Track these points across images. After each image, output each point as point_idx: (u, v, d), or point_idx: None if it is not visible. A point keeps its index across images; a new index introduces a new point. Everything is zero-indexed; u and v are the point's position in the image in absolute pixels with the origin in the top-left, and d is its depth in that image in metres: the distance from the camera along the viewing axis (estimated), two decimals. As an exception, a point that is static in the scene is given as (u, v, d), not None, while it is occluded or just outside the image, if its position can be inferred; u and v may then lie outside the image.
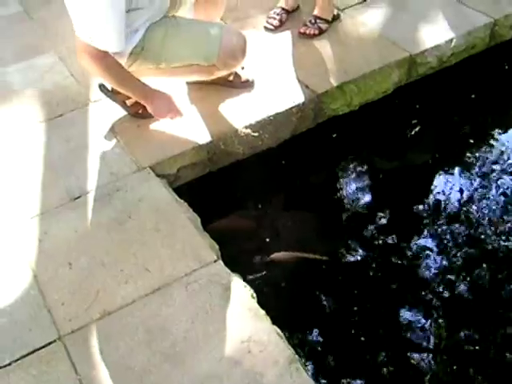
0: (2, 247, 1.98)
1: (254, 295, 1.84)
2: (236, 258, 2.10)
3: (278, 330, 1.72)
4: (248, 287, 1.85)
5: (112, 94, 2.36)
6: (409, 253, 2.25)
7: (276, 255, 2.22)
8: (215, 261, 1.88)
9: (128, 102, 2.37)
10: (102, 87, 2.36)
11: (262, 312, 1.75)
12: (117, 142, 2.33)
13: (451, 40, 2.75)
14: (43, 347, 1.69)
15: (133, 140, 2.34)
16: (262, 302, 1.82)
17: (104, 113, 2.46)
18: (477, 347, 1.95)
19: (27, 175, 2.22)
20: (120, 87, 2.22)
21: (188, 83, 2.55)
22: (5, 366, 1.64)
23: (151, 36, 2.17)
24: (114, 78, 2.16)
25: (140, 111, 2.38)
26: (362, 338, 1.99)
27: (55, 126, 2.43)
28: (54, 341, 1.70)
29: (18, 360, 1.65)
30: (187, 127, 2.35)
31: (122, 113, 2.42)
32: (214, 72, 2.34)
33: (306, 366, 1.81)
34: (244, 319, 1.72)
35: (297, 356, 1.66)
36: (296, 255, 2.22)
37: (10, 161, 2.30)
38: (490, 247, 2.25)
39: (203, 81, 2.52)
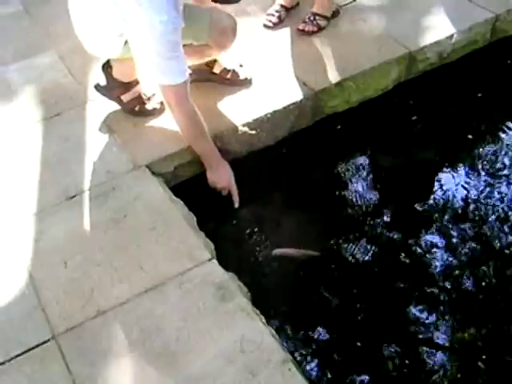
0: (-2, 246, 1.99)
1: (249, 294, 1.84)
2: (232, 257, 2.11)
3: (272, 330, 1.72)
4: (242, 286, 1.85)
5: (108, 92, 2.36)
6: (413, 249, 2.23)
7: (279, 251, 2.21)
8: (210, 260, 1.87)
9: (124, 99, 2.37)
10: (97, 87, 2.36)
11: (256, 311, 1.75)
12: (114, 140, 2.33)
13: (452, 36, 2.72)
14: (37, 346, 1.69)
15: (130, 139, 2.34)
16: (256, 302, 1.82)
17: (102, 111, 2.46)
18: (484, 343, 1.94)
19: (24, 174, 2.23)
20: (195, 141, 2.23)
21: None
22: (-2, 365, 1.65)
23: None
24: (194, 130, 2.20)
25: (136, 108, 2.38)
26: (360, 340, 1.97)
27: (53, 125, 2.44)
28: (48, 340, 1.71)
29: (11, 359, 1.66)
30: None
31: (120, 111, 2.43)
32: (206, 52, 2.33)
33: (300, 366, 1.79)
34: (237, 318, 1.71)
35: (290, 356, 1.66)
36: (302, 253, 2.21)
37: (7, 159, 2.31)
38: (495, 243, 2.23)
39: (201, 78, 2.53)
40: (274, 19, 2.84)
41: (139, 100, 2.39)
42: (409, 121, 2.74)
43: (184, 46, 2.20)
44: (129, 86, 2.36)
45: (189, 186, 2.30)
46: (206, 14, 2.21)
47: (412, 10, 2.88)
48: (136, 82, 2.37)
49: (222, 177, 2.26)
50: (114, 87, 2.35)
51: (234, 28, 2.26)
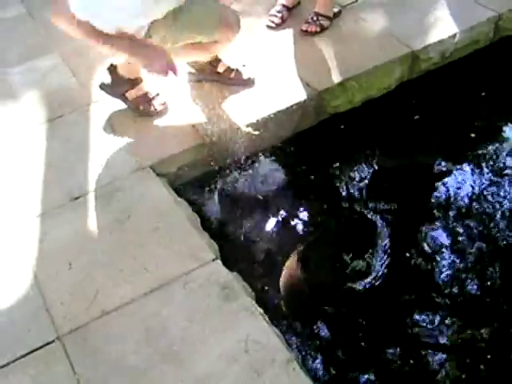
0: (3, 247, 1.99)
1: (253, 294, 1.84)
2: (236, 258, 2.11)
3: (276, 330, 1.72)
4: (246, 286, 1.85)
5: (113, 90, 2.37)
6: (416, 249, 2.23)
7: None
8: (214, 260, 1.87)
9: (129, 96, 2.37)
10: (102, 86, 2.37)
11: (260, 311, 1.75)
12: (117, 141, 2.34)
13: (454, 35, 2.71)
14: (42, 347, 1.70)
15: (134, 139, 2.34)
16: (260, 302, 1.82)
17: (105, 113, 2.46)
18: (487, 344, 1.92)
19: (28, 176, 2.24)
20: (106, 45, 2.00)
21: (190, 82, 2.55)
22: (2, 367, 1.65)
23: (157, 24, 2.13)
24: (97, 38, 1.99)
25: (141, 107, 2.39)
26: (364, 340, 1.97)
27: (57, 127, 2.45)
28: (53, 341, 1.71)
29: (15, 360, 1.66)
30: (188, 125, 2.35)
31: (123, 113, 2.43)
32: (213, 47, 2.34)
33: (305, 366, 1.79)
34: (242, 318, 1.71)
35: (294, 356, 1.66)
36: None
37: (12, 161, 2.32)
38: (500, 244, 2.21)
39: (205, 78, 2.53)
40: (277, 20, 2.85)
41: (144, 98, 2.40)
42: (412, 120, 2.73)
43: (194, 43, 2.22)
44: (134, 82, 2.37)
45: (193, 187, 2.30)
46: (215, 12, 2.23)
47: (415, 10, 2.87)
48: (140, 80, 2.38)
49: (155, 59, 2.02)
50: (119, 84, 2.35)
51: (239, 21, 2.28)
